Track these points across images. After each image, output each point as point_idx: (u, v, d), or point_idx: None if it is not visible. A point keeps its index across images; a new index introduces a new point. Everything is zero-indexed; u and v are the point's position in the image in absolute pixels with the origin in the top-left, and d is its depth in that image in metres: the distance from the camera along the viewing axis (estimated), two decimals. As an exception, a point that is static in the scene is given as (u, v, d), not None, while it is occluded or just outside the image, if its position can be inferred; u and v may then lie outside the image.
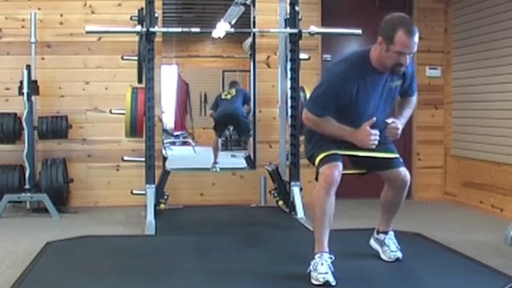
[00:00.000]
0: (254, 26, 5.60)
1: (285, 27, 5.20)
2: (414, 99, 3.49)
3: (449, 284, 3.16)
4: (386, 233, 3.62)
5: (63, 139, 5.49)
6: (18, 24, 5.53)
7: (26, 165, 5.23)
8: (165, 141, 5.89)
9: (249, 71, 5.80)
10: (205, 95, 8.23)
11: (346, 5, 6.21)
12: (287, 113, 5.28)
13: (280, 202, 5.27)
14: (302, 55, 5.24)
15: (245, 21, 5.74)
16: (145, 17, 4.84)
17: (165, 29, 5.34)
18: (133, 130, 4.90)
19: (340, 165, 3.24)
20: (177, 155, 6.36)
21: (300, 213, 4.92)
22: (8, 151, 5.43)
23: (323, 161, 3.24)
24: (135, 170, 5.39)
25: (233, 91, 6.26)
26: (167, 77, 6.18)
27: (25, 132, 5.24)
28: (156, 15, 4.88)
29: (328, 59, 6.00)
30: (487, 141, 5.44)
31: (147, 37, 4.78)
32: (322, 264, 3.08)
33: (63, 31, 5.60)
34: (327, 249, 3.15)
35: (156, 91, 5.03)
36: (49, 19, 5.57)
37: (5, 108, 5.43)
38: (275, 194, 5.32)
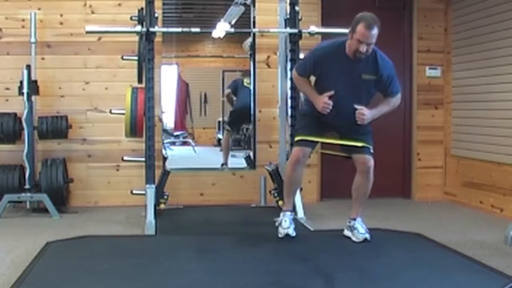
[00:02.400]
0: (254, 26, 5.60)
1: (285, 27, 5.21)
2: (393, 100, 4.16)
3: (449, 284, 3.16)
4: (355, 219, 4.15)
5: (63, 139, 5.49)
6: (18, 24, 5.53)
7: (26, 165, 5.23)
8: (165, 141, 5.89)
9: (249, 71, 5.79)
10: (205, 95, 8.23)
11: (346, 5, 6.19)
12: (287, 113, 5.28)
13: (280, 202, 5.26)
14: (302, 55, 5.23)
15: (245, 21, 5.74)
16: (145, 17, 4.84)
17: (165, 29, 5.34)
18: (133, 130, 4.90)
19: (307, 149, 4.08)
20: (177, 155, 6.36)
21: (300, 213, 4.91)
22: (8, 151, 5.43)
23: (296, 143, 4.13)
24: (135, 170, 5.39)
25: None
26: (167, 77, 6.19)
27: (25, 132, 5.24)
28: (156, 15, 4.88)
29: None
30: (487, 141, 5.44)
31: (147, 37, 4.78)
32: (285, 221, 4.08)
33: (63, 31, 5.60)
34: (290, 208, 4.16)
35: (156, 91, 5.03)
36: (49, 19, 5.57)
37: (5, 108, 5.43)
38: (275, 194, 5.32)
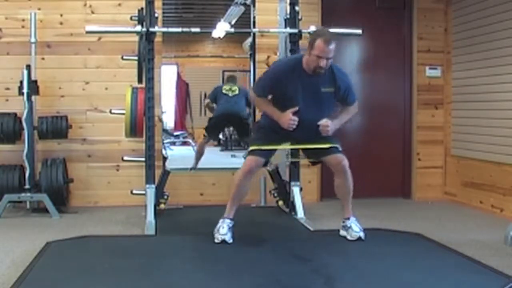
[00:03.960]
0: (254, 26, 5.60)
1: (285, 27, 5.20)
2: (351, 108, 4.23)
3: (449, 284, 3.16)
4: (348, 219, 4.14)
5: (63, 139, 5.49)
6: (18, 24, 5.53)
7: (26, 165, 5.23)
8: (165, 141, 5.89)
9: (249, 71, 5.79)
10: (205, 95, 8.22)
11: (346, 5, 6.21)
12: (287, 113, 5.27)
13: (280, 202, 5.27)
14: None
15: (245, 21, 5.75)
16: (145, 17, 4.84)
17: (165, 29, 5.34)
18: (133, 130, 4.90)
19: (260, 159, 4.05)
20: (177, 155, 6.36)
21: (300, 213, 4.91)
22: (8, 151, 5.43)
23: (250, 153, 4.09)
24: (135, 170, 5.39)
25: (236, 88, 6.05)
26: (167, 77, 6.19)
27: (25, 132, 5.24)
28: (156, 15, 4.88)
29: (328, 59, 6.00)
30: (487, 141, 5.44)
31: (147, 37, 4.78)
32: (223, 227, 3.99)
33: (63, 31, 5.60)
34: (231, 216, 4.06)
35: (156, 91, 5.02)
36: (49, 19, 5.57)
37: (5, 108, 5.43)
38: (275, 194, 5.32)
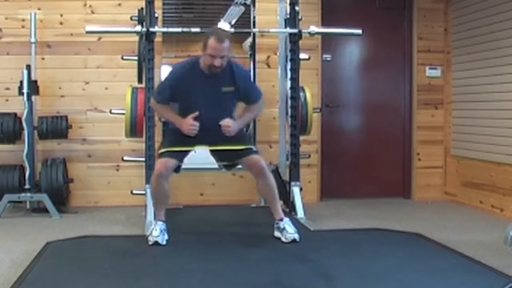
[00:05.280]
0: (254, 26, 5.60)
1: (285, 27, 5.21)
2: (256, 106, 4.18)
3: (449, 284, 3.16)
4: (282, 220, 4.07)
5: (63, 139, 5.49)
6: (18, 24, 5.53)
7: (26, 165, 5.23)
8: (165, 141, 5.88)
9: (249, 71, 5.79)
10: (205, 95, 8.20)
11: (346, 5, 6.21)
12: (287, 113, 5.28)
13: (280, 202, 5.26)
14: (302, 55, 5.24)
15: (245, 21, 5.74)
16: (145, 17, 4.84)
17: (165, 29, 5.34)
18: (133, 130, 4.90)
19: (170, 161, 3.96)
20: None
21: (300, 213, 4.92)
22: (8, 151, 5.43)
23: (159, 156, 4.03)
24: (135, 170, 5.39)
25: None
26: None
27: (25, 132, 5.24)
28: (156, 15, 4.88)
29: (328, 59, 6.01)
30: (487, 141, 5.44)
31: (147, 37, 4.78)
32: (155, 229, 3.95)
33: (63, 31, 5.60)
34: (162, 219, 4.02)
35: (156, 91, 5.02)
36: (49, 19, 5.57)
37: (5, 108, 5.43)
38: (275, 194, 5.31)
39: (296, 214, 4.95)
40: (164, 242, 3.92)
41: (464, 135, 5.84)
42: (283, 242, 3.97)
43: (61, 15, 5.60)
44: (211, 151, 4.16)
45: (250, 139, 4.13)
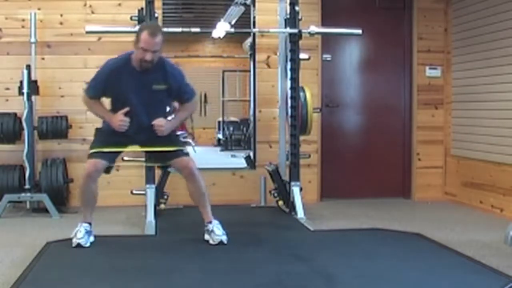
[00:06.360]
0: (254, 26, 5.59)
1: (285, 27, 5.21)
2: (189, 105, 4.15)
3: (449, 284, 3.16)
4: (211, 222, 4.03)
5: (63, 139, 5.49)
6: (18, 24, 5.53)
7: (26, 165, 5.23)
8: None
9: (249, 71, 5.79)
10: (205, 95, 8.22)
11: (346, 5, 6.21)
12: (287, 113, 5.28)
13: (280, 202, 5.27)
14: (302, 55, 5.23)
15: (245, 21, 5.74)
16: (145, 17, 4.84)
17: (165, 29, 5.32)
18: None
19: (100, 162, 3.91)
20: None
21: (300, 213, 4.92)
22: (8, 151, 5.43)
23: (89, 156, 3.97)
24: (135, 170, 5.38)
25: None
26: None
27: (25, 132, 5.24)
28: (156, 15, 4.88)
29: (328, 59, 6.01)
30: (487, 141, 5.44)
31: (147, 37, 4.77)
32: (80, 231, 3.88)
33: (63, 31, 5.60)
34: (88, 221, 3.96)
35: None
36: (49, 19, 5.57)
37: (5, 108, 5.43)
38: (275, 194, 5.32)
39: (296, 214, 4.95)
40: (88, 244, 3.86)
41: (464, 135, 5.84)
42: (211, 244, 3.93)
43: (61, 15, 5.60)
44: (145, 151, 4.17)
45: (181, 140, 4.15)
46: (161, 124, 3.94)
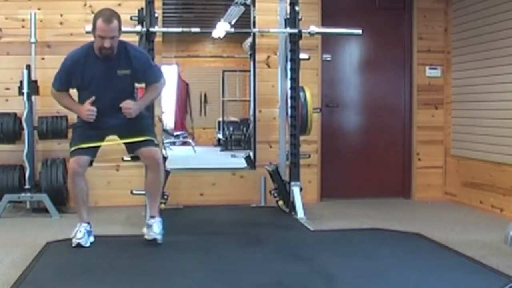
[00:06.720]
0: (254, 26, 5.59)
1: (285, 27, 5.21)
2: (157, 85, 4.14)
3: (449, 284, 3.16)
4: (154, 217, 4.05)
5: (63, 139, 5.48)
6: (18, 24, 5.52)
7: (26, 165, 5.23)
8: (165, 141, 5.89)
9: (249, 71, 5.80)
10: (205, 95, 8.24)
11: (346, 5, 6.21)
12: (287, 113, 5.28)
13: (280, 202, 5.28)
14: (302, 55, 5.23)
15: (245, 21, 5.75)
16: (145, 17, 4.84)
17: (165, 29, 5.34)
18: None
19: (82, 158, 3.95)
20: (177, 155, 6.38)
21: (300, 213, 4.92)
22: (8, 151, 5.43)
23: (71, 154, 3.99)
24: (135, 170, 5.38)
25: None
26: (167, 77, 6.17)
27: (25, 132, 5.24)
28: (156, 15, 4.88)
29: (328, 59, 6.00)
30: (487, 141, 5.44)
31: (147, 37, 4.78)
32: (80, 231, 3.91)
33: (63, 31, 5.60)
34: (85, 220, 4.00)
35: (156, 91, 5.01)
36: (49, 19, 5.57)
37: (5, 108, 5.43)
38: (275, 194, 5.32)
39: (296, 214, 4.95)
40: (88, 244, 3.89)
41: (464, 135, 5.84)
42: (146, 239, 3.98)
43: (61, 15, 5.60)
44: (124, 143, 4.13)
45: (153, 129, 4.16)
46: (129, 106, 3.94)
